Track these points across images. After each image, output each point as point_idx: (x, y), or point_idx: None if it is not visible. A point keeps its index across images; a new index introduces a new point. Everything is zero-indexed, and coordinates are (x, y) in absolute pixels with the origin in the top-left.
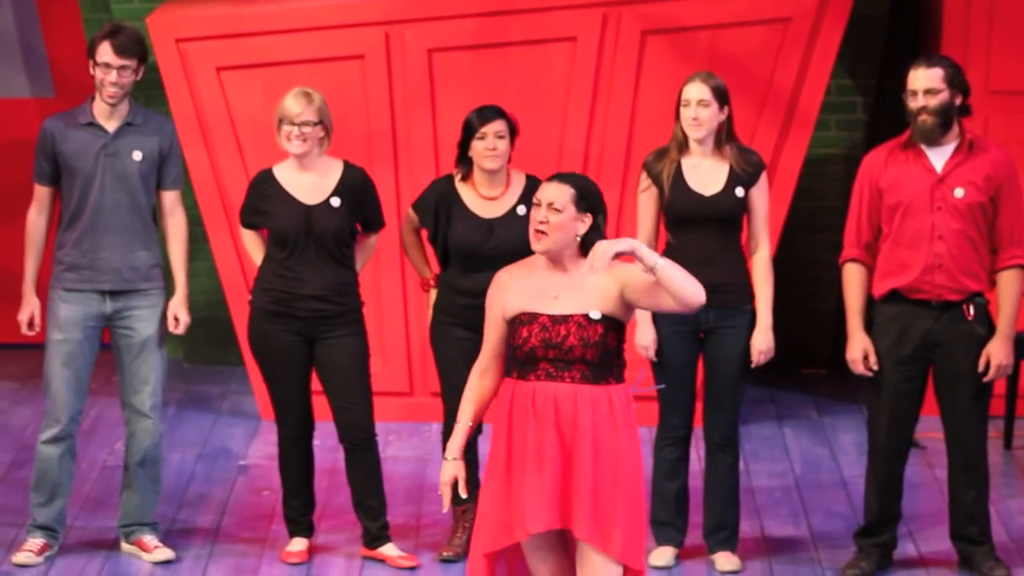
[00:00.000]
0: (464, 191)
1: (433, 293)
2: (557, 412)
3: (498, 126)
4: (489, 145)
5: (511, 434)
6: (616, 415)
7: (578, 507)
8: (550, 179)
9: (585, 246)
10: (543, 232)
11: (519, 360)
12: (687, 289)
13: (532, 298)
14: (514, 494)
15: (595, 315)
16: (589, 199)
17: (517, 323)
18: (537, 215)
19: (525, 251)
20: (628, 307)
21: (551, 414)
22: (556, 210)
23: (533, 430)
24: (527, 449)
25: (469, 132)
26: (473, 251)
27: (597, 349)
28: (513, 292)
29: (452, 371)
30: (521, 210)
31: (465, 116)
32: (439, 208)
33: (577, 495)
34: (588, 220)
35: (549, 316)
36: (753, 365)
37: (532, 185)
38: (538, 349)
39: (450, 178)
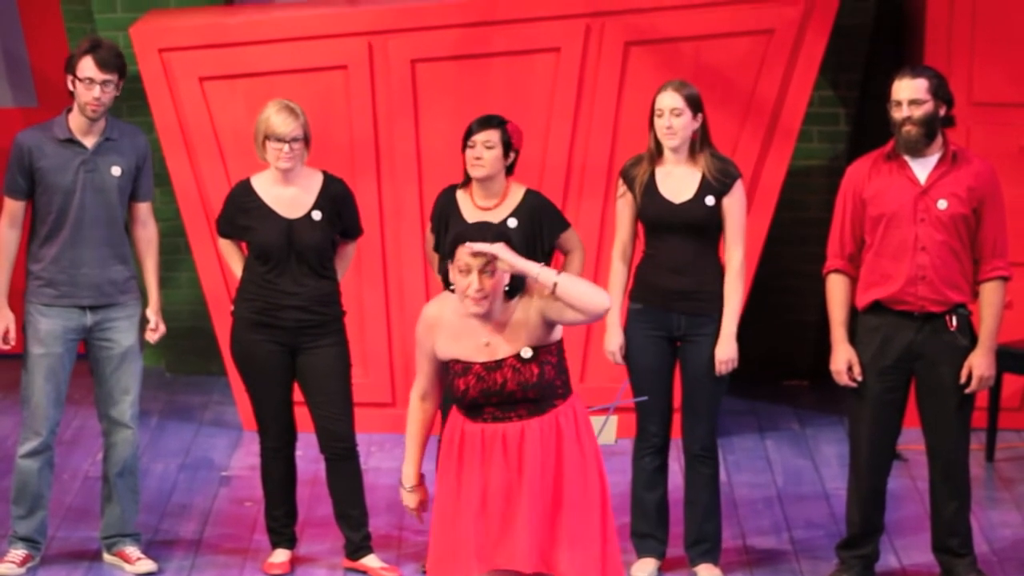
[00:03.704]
0: (462, 200)
1: None
2: (505, 451)
3: (485, 136)
4: (476, 154)
5: (460, 473)
6: (564, 436)
7: (526, 542)
8: (459, 243)
9: (510, 291)
10: (485, 299)
11: (464, 406)
12: (588, 301)
13: (463, 344)
14: (460, 533)
15: (527, 353)
16: (512, 246)
17: (452, 372)
18: (471, 283)
19: None
20: (552, 325)
21: (499, 453)
22: (490, 273)
23: (480, 471)
24: (474, 489)
25: (464, 140)
26: None
27: (536, 389)
28: (443, 335)
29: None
30: (512, 223)
31: (446, 126)
32: (441, 218)
33: (524, 530)
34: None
35: (482, 364)
36: (717, 375)
37: (530, 198)
38: (479, 399)
39: (453, 188)
